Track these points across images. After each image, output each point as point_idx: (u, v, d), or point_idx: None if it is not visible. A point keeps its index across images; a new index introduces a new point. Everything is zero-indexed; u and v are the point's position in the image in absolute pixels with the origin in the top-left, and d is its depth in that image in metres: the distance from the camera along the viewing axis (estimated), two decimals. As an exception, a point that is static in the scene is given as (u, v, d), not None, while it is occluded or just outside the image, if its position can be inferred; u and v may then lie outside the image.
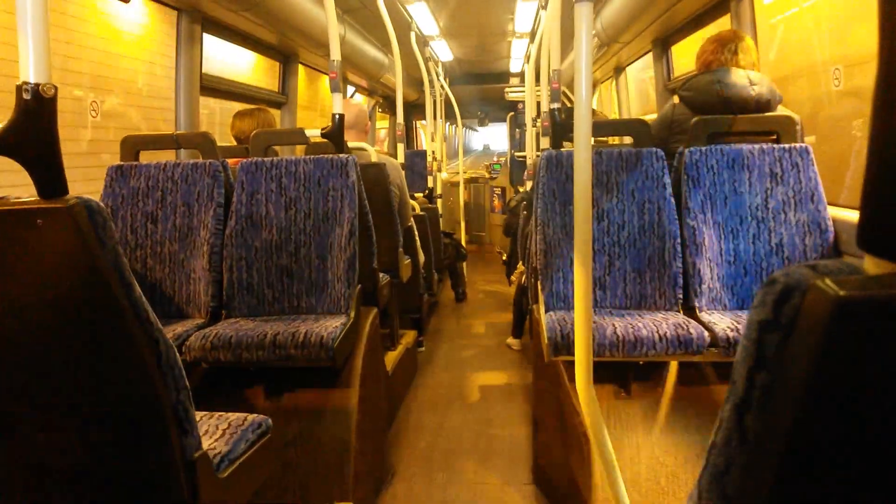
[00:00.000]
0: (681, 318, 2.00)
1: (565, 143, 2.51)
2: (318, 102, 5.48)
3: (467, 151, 9.56)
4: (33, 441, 1.14)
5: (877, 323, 0.40)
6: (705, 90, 2.23)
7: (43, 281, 1.03)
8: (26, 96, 0.97)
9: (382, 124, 8.91)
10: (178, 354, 1.14)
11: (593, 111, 4.30)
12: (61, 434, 1.13)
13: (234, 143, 3.00)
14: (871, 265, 0.43)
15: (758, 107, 2.20)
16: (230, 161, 2.52)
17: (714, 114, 2.23)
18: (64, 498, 1.18)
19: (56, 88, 1.00)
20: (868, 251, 0.43)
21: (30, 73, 0.98)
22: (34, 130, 0.99)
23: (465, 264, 5.97)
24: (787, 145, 2.17)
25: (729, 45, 2.28)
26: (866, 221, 0.43)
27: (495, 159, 9.59)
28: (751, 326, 0.45)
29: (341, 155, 2.41)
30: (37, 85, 0.98)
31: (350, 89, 6.50)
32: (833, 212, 2.14)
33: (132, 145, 2.41)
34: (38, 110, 0.98)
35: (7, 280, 1.03)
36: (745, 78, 2.19)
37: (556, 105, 2.50)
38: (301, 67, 4.68)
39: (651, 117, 2.86)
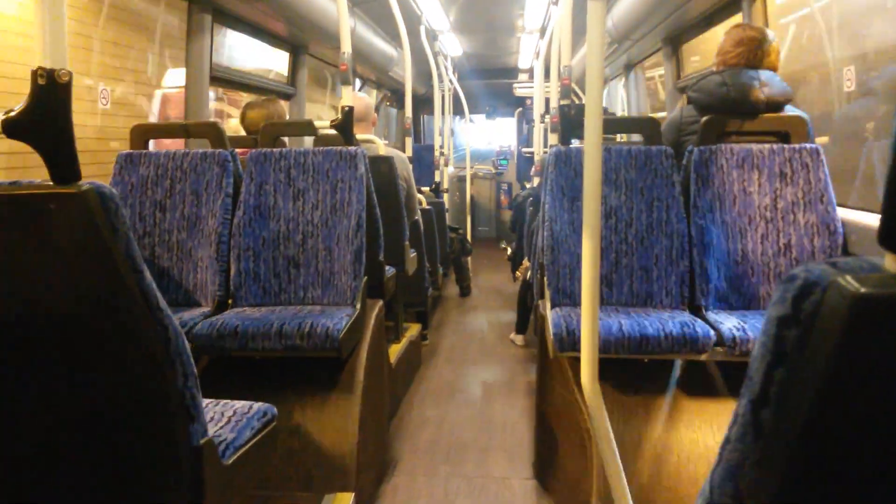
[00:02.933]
0: (687, 316, 1.99)
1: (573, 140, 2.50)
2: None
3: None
4: (40, 424, 1.15)
5: None
6: (713, 92, 2.21)
7: (54, 265, 1.03)
8: (41, 81, 0.98)
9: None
10: (186, 342, 1.14)
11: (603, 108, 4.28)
12: (68, 417, 1.14)
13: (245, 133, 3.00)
14: (891, 263, 0.43)
15: (767, 108, 2.17)
16: (239, 151, 2.52)
17: (721, 114, 2.21)
18: (70, 482, 1.19)
19: (71, 74, 1.00)
20: (889, 249, 0.43)
21: (45, 58, 0.98)
22: (48, 115, 0.99)
23: (470, 259, 5.98)
24: (797, 146, 2.16)
25: (751, 45, 2.24)
26: (888, 219, 0.43)
27: (497, 148, 9.53)
28: (770, 322, 0.45)
29: (350, 147, 2.41)
30: (52, 70, 0.98)
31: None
32: (842, 213, 2.13)
33: (142, 133, 2.42)
34: (52, 95, 0.99)
35: (19, 264, 1.03)
36: (755, 79, 2.16)
37: (565, 101, 2.50)
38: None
39: (662, 115, 2.85)
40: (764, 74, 2.18)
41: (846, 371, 0.40)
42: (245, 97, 4.05)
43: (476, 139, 9.43)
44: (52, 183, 1.00)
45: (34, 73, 0.97)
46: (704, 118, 2.20)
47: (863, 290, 0.40)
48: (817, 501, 0.42)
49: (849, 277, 0.41)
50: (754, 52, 2.23)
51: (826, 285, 0.41)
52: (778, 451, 0.43)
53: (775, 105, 2.18)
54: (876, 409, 0.41)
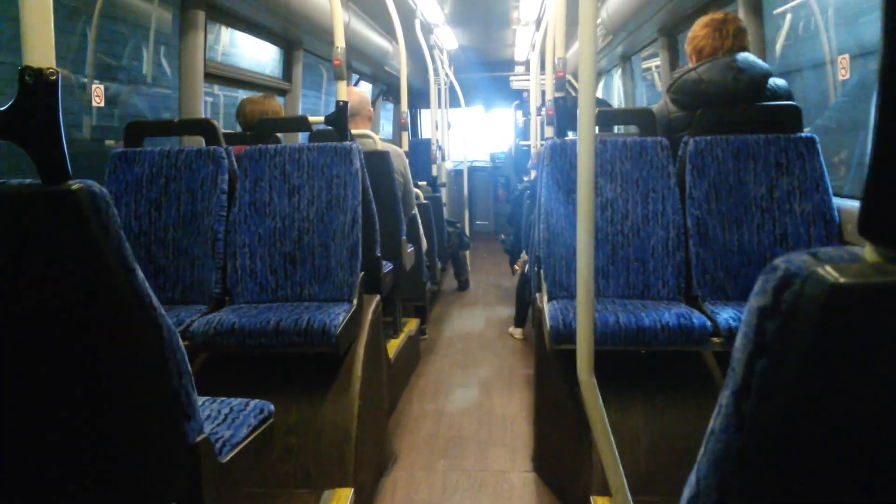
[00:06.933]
0: (683, 308, 2.00)
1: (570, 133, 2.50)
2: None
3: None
4: (34, 423, 1.15)
5: (875, 310, 0.40)
6: (691, 90, 2.21)
7: (45, 266, 1.03)
8: (29, 80, 0.97)
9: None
10: (180, 340, 1.14)
11: (601, 100, 4.28)
12: (63, 417, 1.14)
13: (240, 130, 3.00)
14: (871, 253, 0.43)
15: (750, 94, 2.16)
16: (234, 148, 2.52)
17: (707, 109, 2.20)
18: (66, 482, 1.19)
19: (59, 73, 1.00)
20: (868, 239, 0.43)
21: (33, 57, 0.98)
22: (37, 115, 0.99)
23: (468, 253, 5.98)
24: (792, 135, 2.15)
25: (721, 28, 2.23)
26: (867, 209, 0.43)
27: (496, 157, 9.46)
28: (751, 313, 0.45)
29: (345, 142, 2.40)
30: (39, 69, 0.98)
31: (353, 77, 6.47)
32: (838, 202, 2.13)
33: (136, 131, 2.41)
34: (40, 94, 0.98)
35: (8, 265, 1.03)
36: (731, 67, 2.15)
37: (560, 94, 2.49)
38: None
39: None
40: (739, 57, 2.16)
41: (826, 362, 0.41)
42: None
43: (472, 141, 9.23)
44: (41, 182, 1.00)
45: (22, 72, 0.97)
46: (699, 111, 2.20)
47: (842, 280, 0.40)
48: (801, 492, 0.43)
49: (828, 268, 0.41)
50: (721, 31, 2.22)
51: (806, 276, 0.41)
52: (760, 442, 0.43)
53: (757, 86, 2.17)
54: (856, 400, 0.41)
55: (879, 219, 0.42)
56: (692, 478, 0.52)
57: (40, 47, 0.98)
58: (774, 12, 2.92)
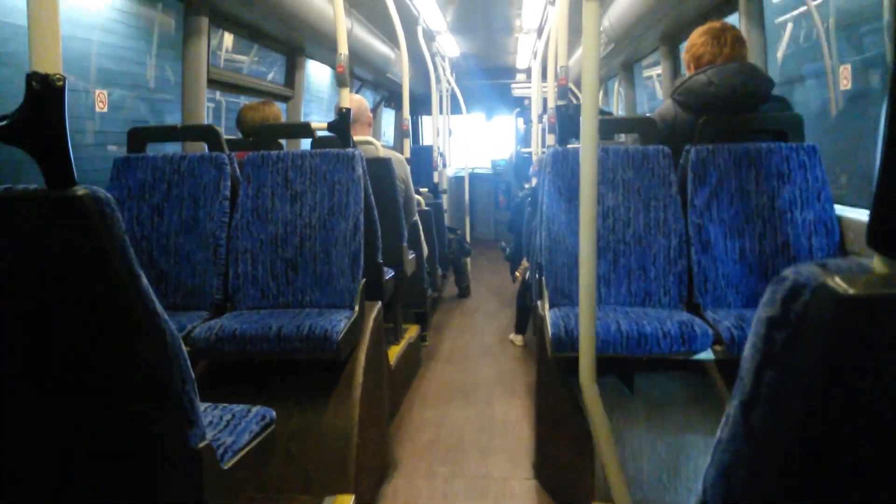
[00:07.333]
0: (685, 315, 1.99)
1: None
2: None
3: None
4: (38, 428, 1.14)
5: (884, 322, 0.40)
6: (700, 92, 2.21)
7: (50, 271, 1.03)
8: (36, 86, 0.98)
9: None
10: (183, 345, 1.14)
11: (602, 109, 4.28)
12: (66, 422, 1.14)
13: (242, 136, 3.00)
14: (880, 264, 0.43)
15: (755, 101, 2.17)
16: (237, 154, 2.52)
17: (712, 114, 2.21)
18: (68, 486, 1.19)
19: (65, 78, 1.00)
20: (877, 250, 0.43)
21: (40, 63, 0.98)
22: (43, 120, 0.99)
23: (468, 260, 5.98)
24: (794, 144, 2.16)
25: (720, 36, 2.24)
26: (877, 220, 0.43)
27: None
28: (759, 323, 0.45)
29: (348, 149, 2.41)
30: (46, 75, 0.98)
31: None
32: (840, 211, 2.13)
33: (139, 137, 2.42)
34: (47, 100, 0.99)
35: (14, 270, 1.03)
36: (738, 74, 2.16)
37: (562, 102, 2.50)
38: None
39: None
40: (745, 67, 2.17)
41: (835, 373, 0.41)
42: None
43: (473, 148, 9.22)
44: (47, 188, 1.00)
45: (29, 78, 0.98)
46: (702, 118, 2.20)
47: (851, 291, 0.40)
48: (809, 502, 0.43)
49: (837, 279, 0.41)
50: (719, 39, 2.22)
51: (815, 287, 0.41)
52: (769, 453, 0.43)
53: (763, 97, 2.18)
54: (864, 411, 0.41)
55: (888, 230, 0.42)
56: (699, 486, 0.52)
57: (47, 53, 0.99)
58: (776, 21, 2.93)
